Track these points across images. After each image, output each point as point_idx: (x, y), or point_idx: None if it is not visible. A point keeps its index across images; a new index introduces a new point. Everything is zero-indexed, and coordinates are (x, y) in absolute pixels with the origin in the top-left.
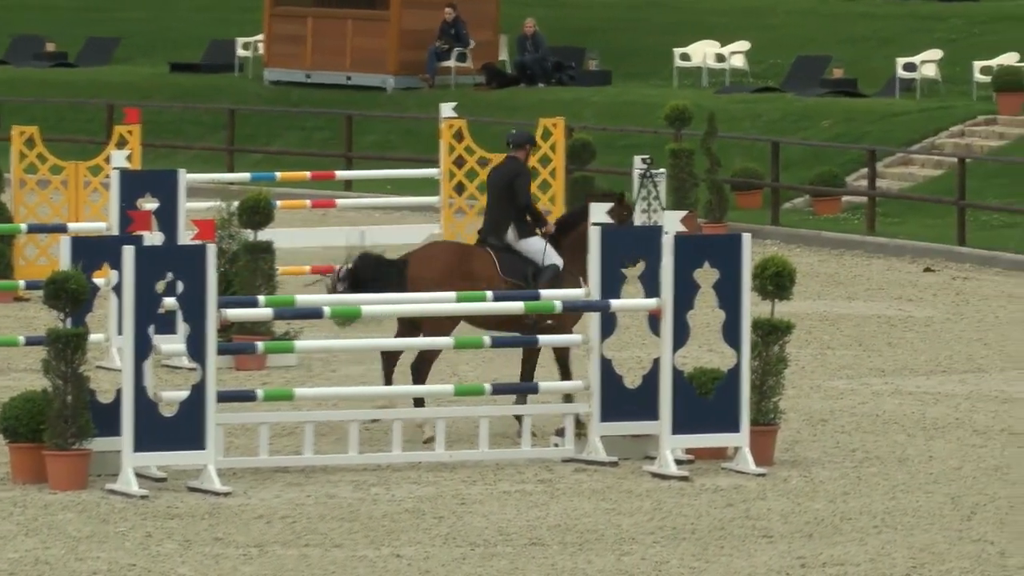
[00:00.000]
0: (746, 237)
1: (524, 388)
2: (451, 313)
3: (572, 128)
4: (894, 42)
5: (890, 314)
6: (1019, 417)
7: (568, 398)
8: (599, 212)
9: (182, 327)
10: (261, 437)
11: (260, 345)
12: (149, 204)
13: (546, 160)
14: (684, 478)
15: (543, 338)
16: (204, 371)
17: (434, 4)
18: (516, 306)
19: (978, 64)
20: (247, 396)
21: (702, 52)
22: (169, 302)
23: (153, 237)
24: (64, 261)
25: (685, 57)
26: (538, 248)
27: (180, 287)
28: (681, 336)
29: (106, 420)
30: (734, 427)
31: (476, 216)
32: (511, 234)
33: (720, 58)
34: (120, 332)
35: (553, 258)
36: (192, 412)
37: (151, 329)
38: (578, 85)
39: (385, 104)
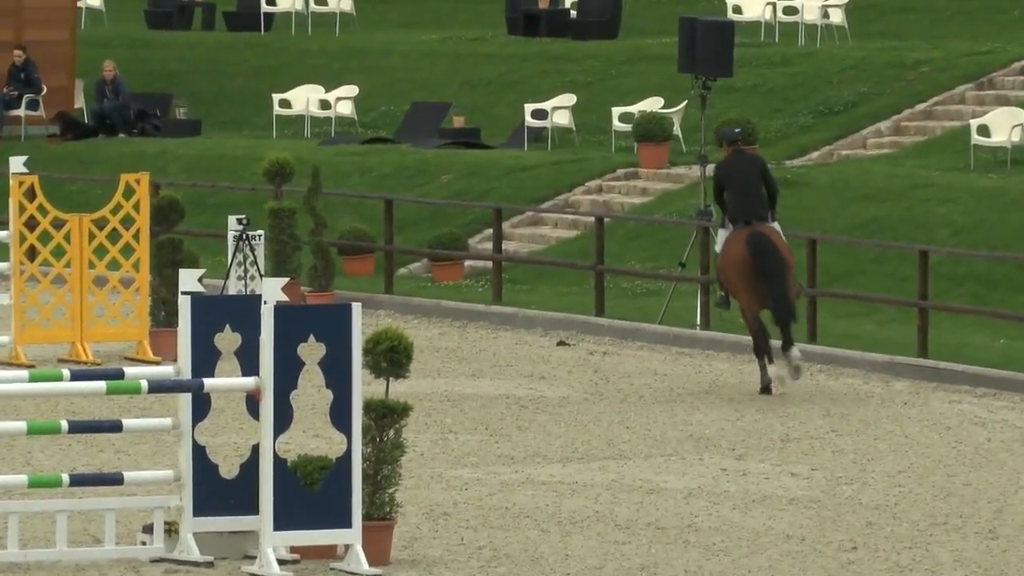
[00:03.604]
0: (356, 307)
1: (106, 479)
2: (22, 393)
3: (158, 184)
4: (521, 86)
5: (520, 394)
6: (666, 509)
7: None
8: (188, 280)
9: None
10: None
11: None
12: None
13: (128, 221)
14: None
15: (131, 422)
16: None
17: (2, 46)
18: (98, 386)
19: (617, 111)
20: None
21: (304, 98)
22: None
23: None
24: None
25: (285, 104)
26: (780, 231)
27: None
28: (283, 420)
29: None
30: (345, 522)
31: (50, 284)
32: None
33: (325, 105)
34: None
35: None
36: None
37: None
38: (164, 136)
39: None
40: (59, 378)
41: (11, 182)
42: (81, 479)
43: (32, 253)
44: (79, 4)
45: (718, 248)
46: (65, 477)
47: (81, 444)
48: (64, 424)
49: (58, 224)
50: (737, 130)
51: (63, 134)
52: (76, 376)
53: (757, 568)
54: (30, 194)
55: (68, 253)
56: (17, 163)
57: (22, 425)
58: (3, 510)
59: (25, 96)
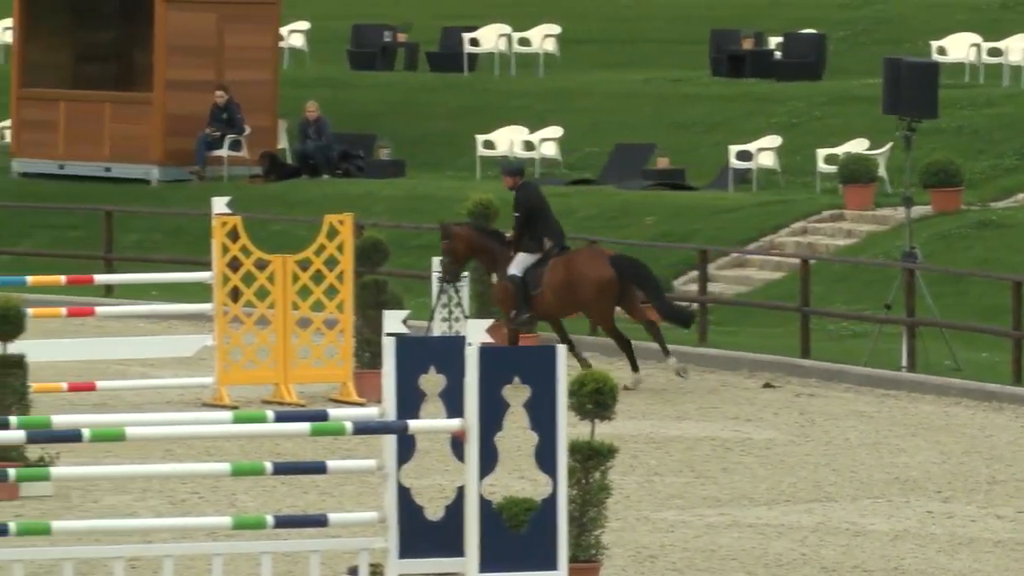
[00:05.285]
0: (561, 349)
1: (310, 520)
2: (226, 435)
3: (362, 225)
4: (726, 127)
5: (725, 436)
6: (872, 552)
7: None
8: (393, 321)
9: None
10: None
11: (11, 472)
12: None
13: (332, 262)
14: None
15: (335, 464)
16: None
17: (203, 86)
18: (302, 428)
19: (822, 152)
20: None
21: (508, 139)
22: None
23: None
24: None
25: (489, 145)
26: None
27: None
28: (489, 461)
29: None
30: (550, 564)
31: (254, 325)
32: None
33: (529, 146)
34: None
35: None
36: None
37: None
38: (368, 176)
39: (149, 198)
40: (263, 419)
41: (214, 223)
42: (285, 520)
43: (235, 294)
44: (281, 44)
45: (516, 271)
46: (269, 519)
47: (285, 486)
48: (268, 465)
49: (261, 265)
50: (514, 162)
51: (266, 175)
52: (280, 418)
53: None
54: (233, 235)
55: (272, 294)
56: (220, 204)
57: (226, 467)
58: (208, 551)
59: (228, 136)
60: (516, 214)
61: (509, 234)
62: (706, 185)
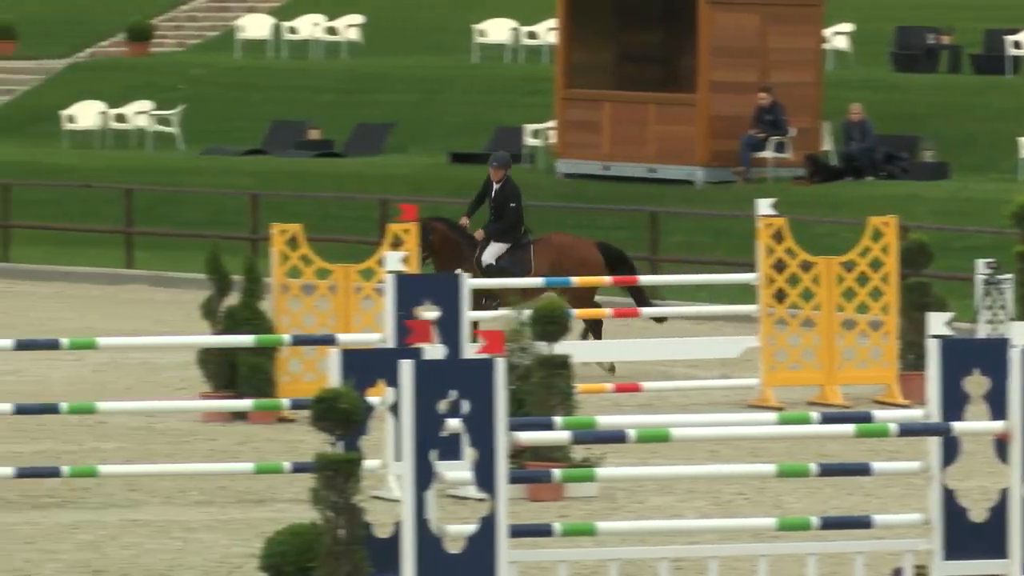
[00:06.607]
0: None
1: (854, 522)
2: (771, 436)
3: (906, 228)
4: None
5: None
6: None
7: None
8: (937, 323)
9: (468, 452)
10: None
11: (557, 473)
12: (429, 313)
13: (877, 264)
14: None
15: (879, 465)
16: (494, 502)
17: (747, 87)
18: (846, 429)
19: None
20: (543, 530)
21: None
22: (453, 424)
23: (434, 350)
24: (333, 377)
25: None
26: None
27: (465, 407)
28: None
29: (384, 557)
30: None
31: (799, 327)
32: None
33: None
34: (398, 458)
35: None
36: (481, 548)
37: (434, 454)
38: (911, 179)
39: (693, 200)
40: (808, 421)
41: (759, 224)
42: (830, 522)
43: (781, 296)
44: (825, 46)
45: (490, 260)
46: (814, 520)
47: (831, 487)
48: (814, 467)
49: (807, 267)
50: (509, 155)
51: (811, 176)
52: (825, 419)
53: None
54: (778, 237)
55: (816, 296)
56: (765, 205)
57: (772, 468)
58: (753, 553)
59: (772, 138)
60: (512, 204)
61: (463, 220)
62: None
